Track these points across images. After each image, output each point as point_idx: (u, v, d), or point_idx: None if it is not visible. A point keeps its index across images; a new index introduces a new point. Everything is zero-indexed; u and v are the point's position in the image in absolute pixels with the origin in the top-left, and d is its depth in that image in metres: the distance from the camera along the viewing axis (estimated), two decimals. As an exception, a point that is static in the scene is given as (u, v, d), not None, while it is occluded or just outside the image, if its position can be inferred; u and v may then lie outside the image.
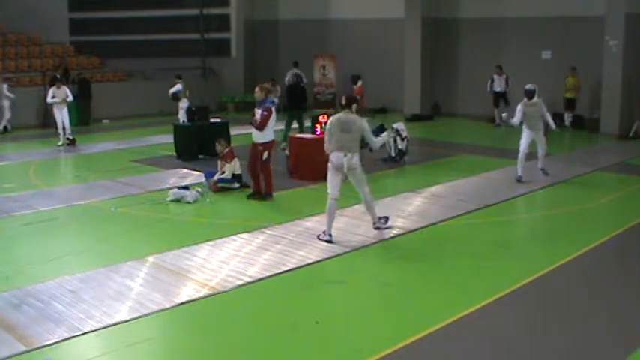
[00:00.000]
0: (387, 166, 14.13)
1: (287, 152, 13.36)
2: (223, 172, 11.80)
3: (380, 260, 8.33)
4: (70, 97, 17.11)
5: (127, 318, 6.42)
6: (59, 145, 16.85)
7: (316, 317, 6.46)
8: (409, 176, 13.33)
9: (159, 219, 10.23)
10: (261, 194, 11.12)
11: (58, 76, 19.18)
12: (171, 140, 15.53)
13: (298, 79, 17.09)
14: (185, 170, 13.61)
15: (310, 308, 6.75)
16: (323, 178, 12.41)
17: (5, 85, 19.50)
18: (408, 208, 10.50)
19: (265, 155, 10.84)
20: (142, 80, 24.42)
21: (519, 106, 12.08)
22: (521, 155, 12.08)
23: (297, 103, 16.27)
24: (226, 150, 12.05)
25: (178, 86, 18.53)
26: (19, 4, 24.17)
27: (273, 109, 10.83)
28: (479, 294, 6.99)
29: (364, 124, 8.74)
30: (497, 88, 19.86)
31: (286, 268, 7.79)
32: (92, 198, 11.35)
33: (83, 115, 20.81)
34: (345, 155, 8.59)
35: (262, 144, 10.83)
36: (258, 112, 10.79)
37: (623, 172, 13.72)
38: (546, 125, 12.33)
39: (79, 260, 8.26)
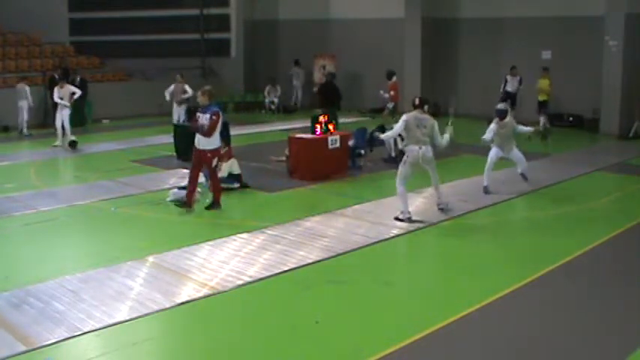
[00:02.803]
0: (387, 166, 14.12)
1: (286, 152, 13.35)
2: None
3: (380, 260, 8.33)
4: (78, 93, 17.11)
5: (127, 318, 6.43)
6: (54, 145, 16.73)
7: (316, 317, 6.46)
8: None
9: (159, 219, 10.24)
10: (219, 202, 10.57)
11: (57, 76, 19.15)
12: (172, 140, 15.53)
13: (332, 78, 17.45)
14: (185, 170, 13.48)
15: (310, 308, 6.75)
16: (323, 178, 12.54)
17: (27, 88, 19.35)
18: (408, 208, 10.48)
19: (215, 162, 10.36)
20: (142, 80, 24.41)
21: (492, 125, 11.59)
22: (488, 166, 11.59)
23: (330, 101, 16.67)
24: (224, 150, 12.03)
25: (187, 88, 18.28)
26: (19, 4, 24.16)
27: (221, 113, 10.26)
28: (479, 294, 6.99)
29: (435, 122, 9.84)
30: (509, 89, 19.51)
31: (286, 268, 7.80)
32: (92, 198, 11.35)
33: (80, 116, 20.75)
34: (420, 148, 9.63)
35: (211, 151, 10.23)
36: (202, 117, 10.20)
37: (623, 172, 13.72)
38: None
39: (79, 260, 8.26)
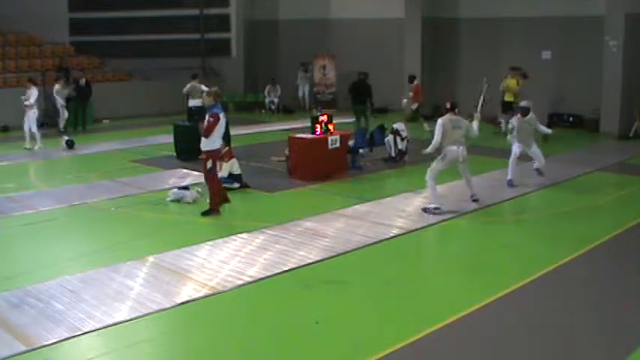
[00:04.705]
0: (387, 166, 14.14)
1: (286, 152, 13.34)
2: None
3: (380, 260, 8.33)
4: (34, 96, 16.31)
5: (127, 318, 6.43)
6: (25, 148, 16.35)
7: (316, 317, 6.46)
8: (409, 176, 13.31)
9: (159, 219, 10.24)
10: (227, 197, 10.47)
11: (62, 75, 19.21)
12: (171, 140, 15.53)
13: (364, 77, 17.88)
14: (185, 170, 13.60)
15: (310, 308, 6.75)
16: (323, 178, 12.53)
17: (57, 86, 19.42)
18: (408, 208, 10.50)
19: (209, 164, 10.11)
20: (142, 80, 24.42)
21: (514, 122, 12.19)
22: (512, 159, 12.03)
23: (362, 99, 17.46)
24: (224, 150, 12.02)
25: (185, 89, 18.43)
26: (19, 4, 24.16)
27: (221, 115, 10.04)
28: (479, 294, 6.99)
29: (467, 122, 10.60)
30: None
31: (286, 268, 7.79)
32: (92, 198, 11.35)
33: (81, 118, 20.72)
34: (458, 148, 10.18)
35: (206, 152, 10.11)
36: (207, 118, 10.13)
37: (623, 172, 13.73)
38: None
39: (79, 260, 8.26)
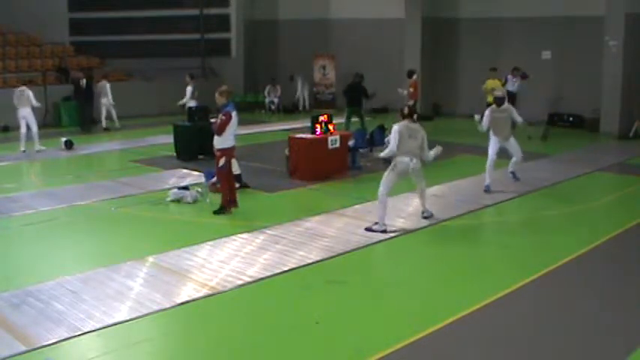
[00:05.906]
0: (387, 166, 14.10)
1: (286, 152, 13.34)
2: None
3: (380, 260, 8.33)
4: (15, 101, 16.41)
5: (127, 318, 6.43)
6: (22, 151, 16.28)
7: (316, 317, 6.46)
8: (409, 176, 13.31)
9: (159, 219, 10.24)
10: (236, 202, 10.54)
11: (80, 77, 19.45)
12: (171, 140, 15.53)
13: (360, 79, 17.69)
14: (185, 170, 13.62)
15: (310, 308, 6.75)
16: (323, 178, 12.53)
17: (108, 85, 19.62)
18: (408, 209, 10.50)
19: (222, 162, 10.21)
20: (142, 80, 24.41)
21: (487, 112, 11.66)
22: (489, 163, 11.63)
23: (353, 100, 17.27)
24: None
25: (189, 88, 18.42)
26: (19, 4, 24.17)
27: (233, 113, 10.21)
28: (479, 294, 6.99)
29: (425, 134, 9.55)
30: (510, 88, 19.39)
31: (286, 268, 7.80)
32: (92, 198, 11.36)
33: (83, 119, 20.68)
34: (411, 160, 9.32)
35: (220, 150, 10.27)
36: (219, 116, 10.34)
37: (623, 172, 13.72)
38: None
39: (79, 260, 8.26)
